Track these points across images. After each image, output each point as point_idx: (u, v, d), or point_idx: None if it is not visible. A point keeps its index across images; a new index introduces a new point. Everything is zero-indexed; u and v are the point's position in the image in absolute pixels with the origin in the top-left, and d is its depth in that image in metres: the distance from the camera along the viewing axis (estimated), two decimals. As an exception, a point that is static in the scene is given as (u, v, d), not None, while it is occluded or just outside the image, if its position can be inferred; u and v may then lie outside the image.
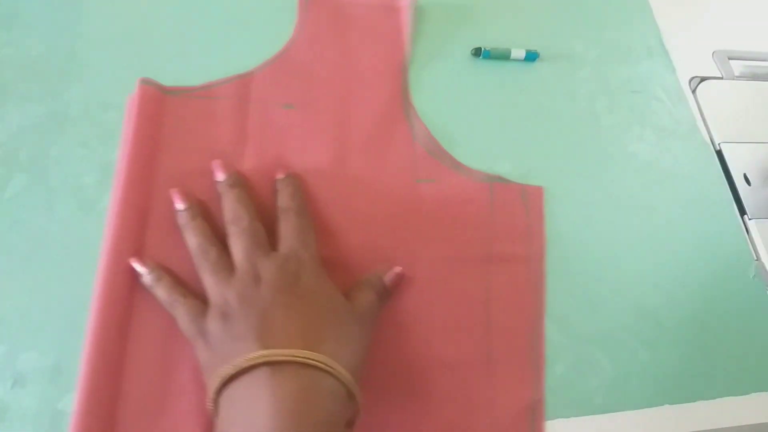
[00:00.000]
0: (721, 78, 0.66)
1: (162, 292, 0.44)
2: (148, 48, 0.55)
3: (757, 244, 0.56)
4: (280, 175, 0.50)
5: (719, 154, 0.60)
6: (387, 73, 0.58)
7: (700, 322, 0.51)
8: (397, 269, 0.48)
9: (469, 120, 0.57)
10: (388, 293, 0.48)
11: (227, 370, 0.37)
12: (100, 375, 0.42)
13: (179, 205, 0.47)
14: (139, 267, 0.45)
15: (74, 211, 0.48)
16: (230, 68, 0.55)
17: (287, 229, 0.46)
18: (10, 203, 0.48)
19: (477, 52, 0.60)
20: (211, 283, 0.44)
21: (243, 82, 0.55)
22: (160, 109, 0.51)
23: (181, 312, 0.43)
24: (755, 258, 0.55)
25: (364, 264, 0.49)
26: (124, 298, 0.44)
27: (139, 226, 0.47)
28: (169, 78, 0.53)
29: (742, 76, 0.67)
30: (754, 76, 0.67)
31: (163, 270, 0.45)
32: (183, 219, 0.47)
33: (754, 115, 0.64)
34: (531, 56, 0.61)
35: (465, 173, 0.54)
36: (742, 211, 0.57)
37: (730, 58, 0.67)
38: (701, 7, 0.71)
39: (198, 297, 0.44)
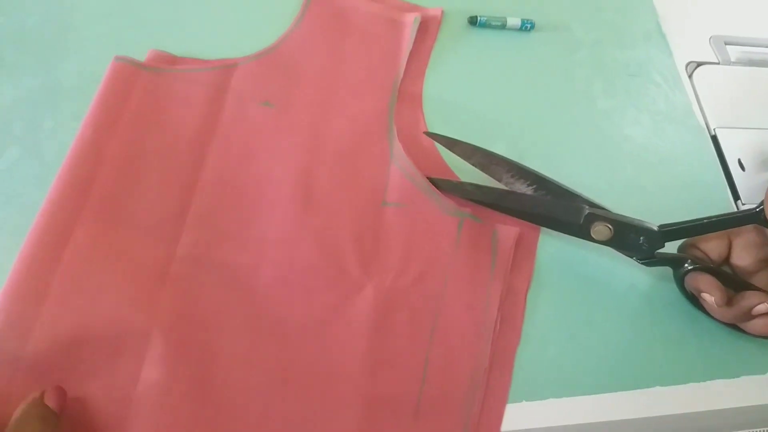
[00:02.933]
0: (718, 63, 0.66)
1: None
2: (143, 20, 0.55)
3: (749, 229, 0.56)
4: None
5: (714, 139, 0.60)
6: (376, 88, 0.56)
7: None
8: (57, 387, 0.39)
9: (463, 94, 0.58)
10: (55, 416, 0.38)
11: None
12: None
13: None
14: None
15: (68, 184, 0.48)
16: (221, 48, 0.54)
17: None
18: (3, 176, 0.48)
19: (473, 21, 0.60)
20: None
21: (224, 72, 0.53)
22: (131, 84, 0.50)
23: None
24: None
25: (312, 283, 0.46)
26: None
27: (79, 196, 0.45)
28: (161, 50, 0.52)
29: (739, 62, 0.67)
30: (751, 62, 0.67)
31: None
32: None
33: (749, 101, 0.64)
34: (527, 25, 0.62)
35: (438, 202, 0.50)
36: (736, 197, 0.58)
37: (727, 44, 0.67)
38: (699, -8, 0.71)
39: None
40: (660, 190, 0.56)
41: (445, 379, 0.45)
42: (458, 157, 0.52)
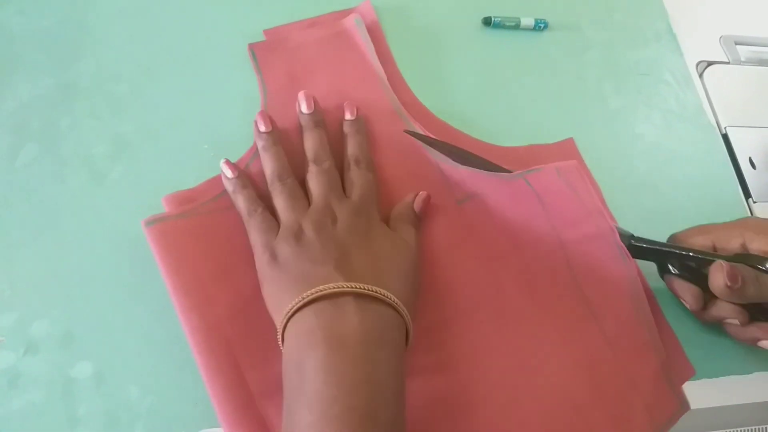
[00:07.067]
0: (728, 63, 0.66)
1: (242, 199, 0.46)
2: (159, 19, 0.55)
3: (761, 227, 0.56)
4: (348, 116, 0.51)
5: (725, 137, 0.61)
6: (373, 100, 0.53)
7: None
8: (423, 194, 0.49)
9: (478, 93, 0.58)
10: (419, 220, 0.49)
11: (314, 294, 0.40)
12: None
13: (262, 127, 0.48)
14: (227, 170, 0.47)
15: (85, 181, 0.48)
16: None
17: (358, 181, 0.47)
18: (21, 173, 0.48)
19: (487, 21, 0.60)
20: (285, 206, 0.45)
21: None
22: (176, 239, 0.45)
23: (256, 222, 0.45)
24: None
25: (453, 310, 0.48)
26: None
27: (232, 375, 0.42)
28: (182, 52, 0.53)
29: (749, 61, 0.67)
30: (761, 62, 0.67)
31: (249, 180, 0.47)
32: (263, 142, 0.48)
33: (760, 100, 0.64)
34: (540, 25, 0.62)
35: (498, 171, 0.50)
36: (747, 195, 0.58)
37: (737, 43, 0.67)
38: (709, -8, 0.72)
39: (274, 215, 0.46)
40: (671, 188, 0.56)
41: (610, 306, 0.48)
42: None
